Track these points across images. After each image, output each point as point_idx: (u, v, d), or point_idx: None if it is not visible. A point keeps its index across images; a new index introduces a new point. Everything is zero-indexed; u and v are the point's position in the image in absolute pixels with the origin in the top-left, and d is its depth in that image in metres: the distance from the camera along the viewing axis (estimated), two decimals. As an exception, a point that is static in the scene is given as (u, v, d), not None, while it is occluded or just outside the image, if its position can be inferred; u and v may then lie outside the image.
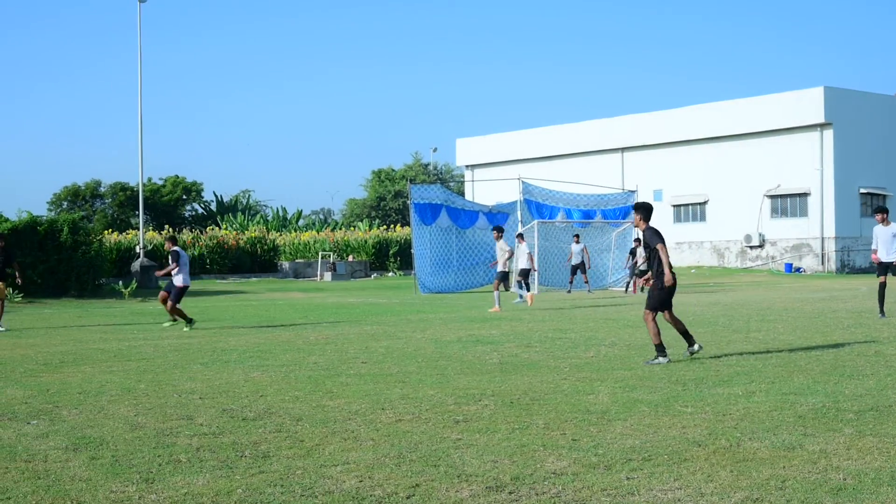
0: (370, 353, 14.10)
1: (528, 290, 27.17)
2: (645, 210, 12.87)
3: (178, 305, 19.78)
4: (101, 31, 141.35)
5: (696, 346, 12.70)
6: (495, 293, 23.90)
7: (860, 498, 5.91)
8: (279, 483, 6.48)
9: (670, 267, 12.50)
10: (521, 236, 28.63)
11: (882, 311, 19.31)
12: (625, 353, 13.47)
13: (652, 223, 12.81)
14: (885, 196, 53.51)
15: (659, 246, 12.49)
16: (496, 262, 25.65)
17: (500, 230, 25.55)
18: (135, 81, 41.45)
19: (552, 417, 8.60)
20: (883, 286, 19.55)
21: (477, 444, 7.57)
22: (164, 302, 20.09)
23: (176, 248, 19.98)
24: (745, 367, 11.82)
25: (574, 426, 8.19)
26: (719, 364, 12.12)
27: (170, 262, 19.85)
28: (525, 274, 26.98)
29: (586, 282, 33.62)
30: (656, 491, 6.15)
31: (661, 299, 12.59)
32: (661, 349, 12.45)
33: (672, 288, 12.53)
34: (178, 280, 19.67)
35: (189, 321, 19.62)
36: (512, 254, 25.77)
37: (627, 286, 34.16)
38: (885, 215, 19.41)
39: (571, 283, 33.99)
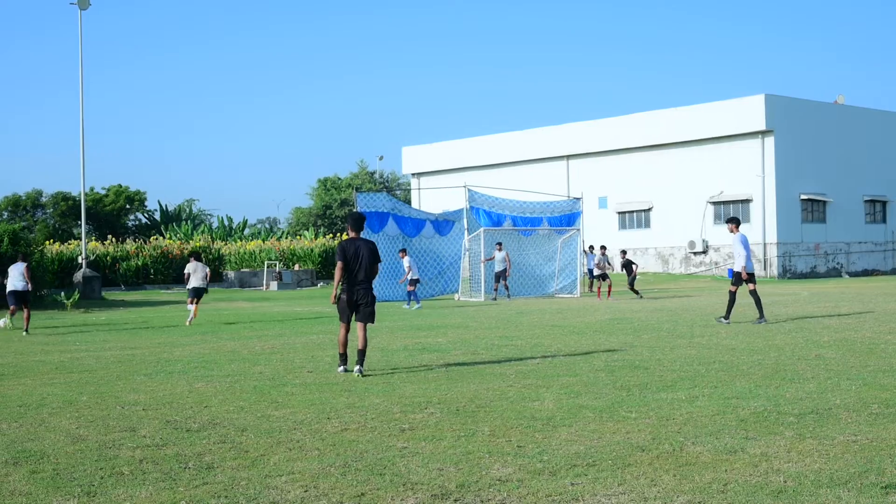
0: (316, 363, 14.04)
1: (417, 299, 30.33)
2: (353, 220, 13.04)
3: None
4: (42, 40, 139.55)
5: (356, 369, 12.53)
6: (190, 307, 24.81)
7: (800, 500, 6.00)
8: (223, 494, 6.43)
9: (337, 285, 12.66)
10: (403, 251, 31.87)
11: (761, 316, 19.47)
12: (570, 360, 13.55)
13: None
14: (825, 202, 54.41)
15: (338, 264, 12.72)
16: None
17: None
18: (76, 90, 40.95)
19: (498, 424, 8.63)
20: (733, 294, 19.81)
21: (423, 452, 7.57)
22: None
23: None
24: (688, 371, 11.95)
25: (519, 433, 8.23)
26: (663, 369, 12.23)
27: None
28: (414, 283, 30.67)
29: (506, 287, 33.88)
30: (600, 496, 6.19)
31: (339, 310, 12.83)
32: (342, 358, 12.75)
33: (345, 302, 12.65)
34: None
35: None
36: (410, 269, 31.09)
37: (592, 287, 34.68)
38: (732, 225, 19.78)
39: (496, 290, 34.08)
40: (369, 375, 12.49)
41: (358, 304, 12.76)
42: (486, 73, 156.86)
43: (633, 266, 33.29)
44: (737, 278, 19.72)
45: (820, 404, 9.30)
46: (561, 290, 37.00)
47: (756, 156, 52.64)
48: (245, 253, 57.16)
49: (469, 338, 17.71)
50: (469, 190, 36.72)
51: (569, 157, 60.80)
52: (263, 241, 63.46)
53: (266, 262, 52.89)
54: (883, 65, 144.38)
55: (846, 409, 9.02)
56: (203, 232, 69.87)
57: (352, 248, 12.77)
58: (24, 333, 22.09)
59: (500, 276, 33.77)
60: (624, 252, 34.48)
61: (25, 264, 23.70)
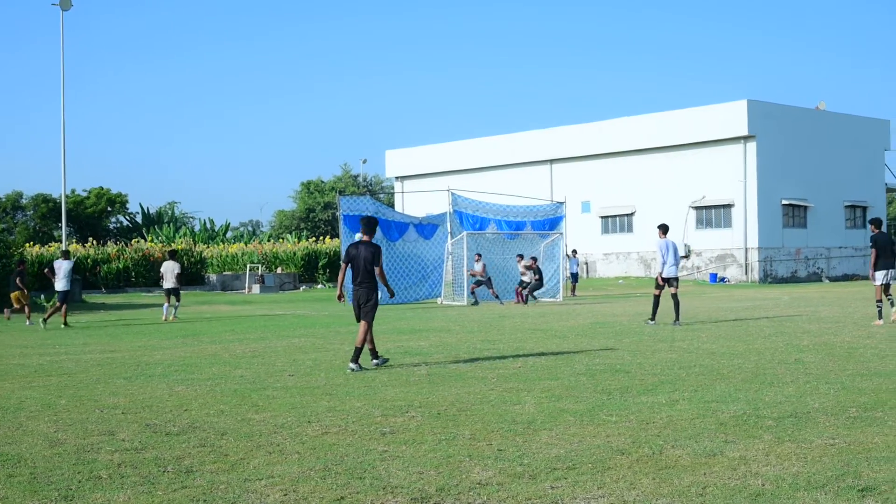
0: (297, 366, 14.01)
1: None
2: (363, 224, 13.83)
3: None
4: (23, 41, 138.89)
5: (350, 367, 13.34)
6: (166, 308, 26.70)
7: (778, 503, 6.02)
8: (202, 498, 6.41)
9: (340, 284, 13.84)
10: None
11: (677, 319, 20.54)
12: (552, 364, 13.56)
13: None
14: (806, 207, 54.67)
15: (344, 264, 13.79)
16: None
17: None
18: (57, 91, 40.77)
19: (478, 428, 8.63)
20: (657, 298, 20.85)
21: (403, 455, 7.57)
22: None
23: None
24: (669, 375, 11.98)
25: (500, 436, 8.23)
26: (644, 373, 12.26)
27: None
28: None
29: (496, 295, 33.68)
30: (580, 499, 6.20)
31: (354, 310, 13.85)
32: (356, 352, 13.43)
33: (353, 302, 13.67)
34: None
35: None
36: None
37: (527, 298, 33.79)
38: (660, 231, 20.86)
39: (473, 292, 33.90)
40: (355, 372, 12.93)
41: (360, 303, 13.56)
42: (470, 78, 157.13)
43: (537, 275, 33.26)
44: (658, 282, 20.80)
45: (799, 408, 9.34)
46: (543, 294, 37.00)
47: (738, 161, 52.85)
48: (227, 256, 57.05)
49: (451, 341, 17.71)
50: (452, 194, 36.73)
51: (552, 161, 60.88)
52: (246, 244, 63.34)
53: (248, 266, 52.78)
54: (864, 71, 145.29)
55: (824, 412, 9.06)
56: (185, 235, 69.65)
57: (354, 251, 13.64)
58: (63, 326, 25.07)
59: (485, 284, 33.70)
60: (534, 259, 33.95)
61: (70, 263, 26.15)
